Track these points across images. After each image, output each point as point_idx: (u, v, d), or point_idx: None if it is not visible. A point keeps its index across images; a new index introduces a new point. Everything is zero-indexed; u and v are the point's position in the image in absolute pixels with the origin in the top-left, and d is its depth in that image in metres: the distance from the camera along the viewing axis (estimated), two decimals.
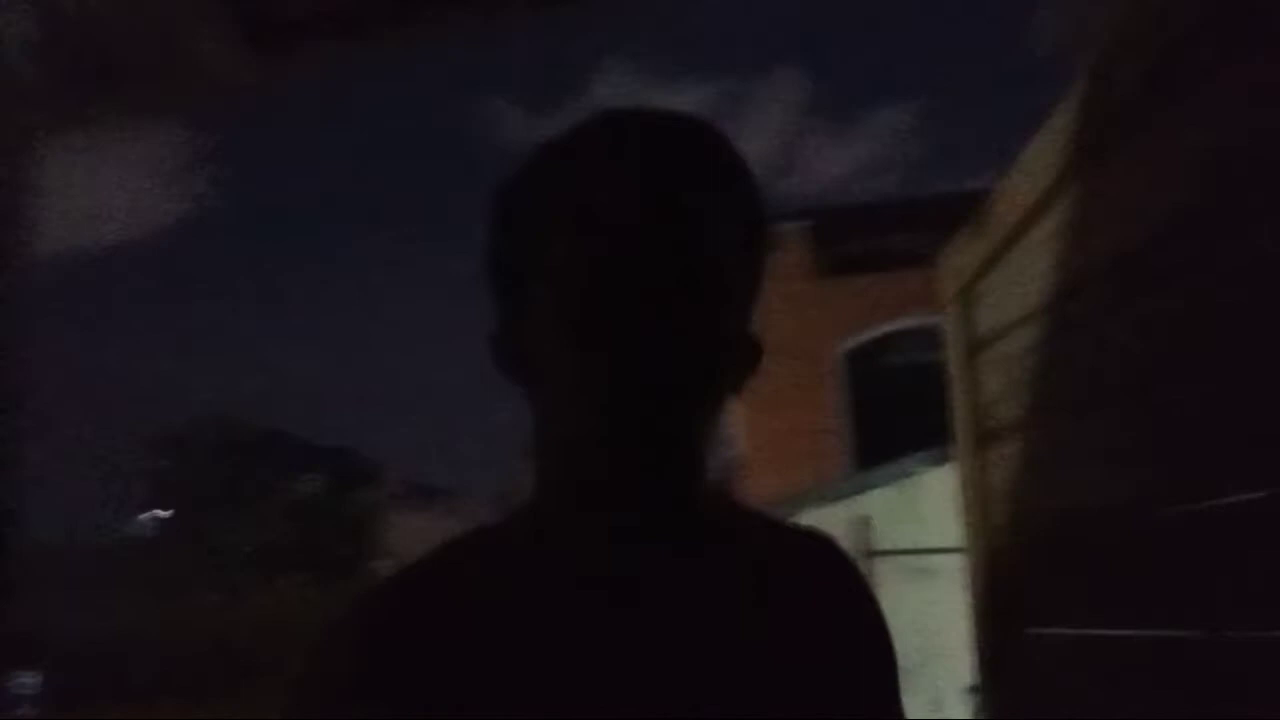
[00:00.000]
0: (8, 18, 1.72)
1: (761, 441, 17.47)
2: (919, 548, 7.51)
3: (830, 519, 9.75)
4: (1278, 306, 1.37)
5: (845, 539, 8.68)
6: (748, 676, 0.84)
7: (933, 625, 5.87)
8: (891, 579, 7.74)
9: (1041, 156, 2.11)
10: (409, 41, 2.28)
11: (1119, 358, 1.80)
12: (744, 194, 0.89)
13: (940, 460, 6.85)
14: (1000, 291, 2.40)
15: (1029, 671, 2.27)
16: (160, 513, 27.14)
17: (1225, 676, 1.53)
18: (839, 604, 0.95)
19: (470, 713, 0.78)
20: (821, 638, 0.90)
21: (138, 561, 23.06)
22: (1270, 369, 1.39)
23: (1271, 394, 1.39)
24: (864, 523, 8.91)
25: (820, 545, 1.00)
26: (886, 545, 8.37)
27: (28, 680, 15.83)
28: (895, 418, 14.67)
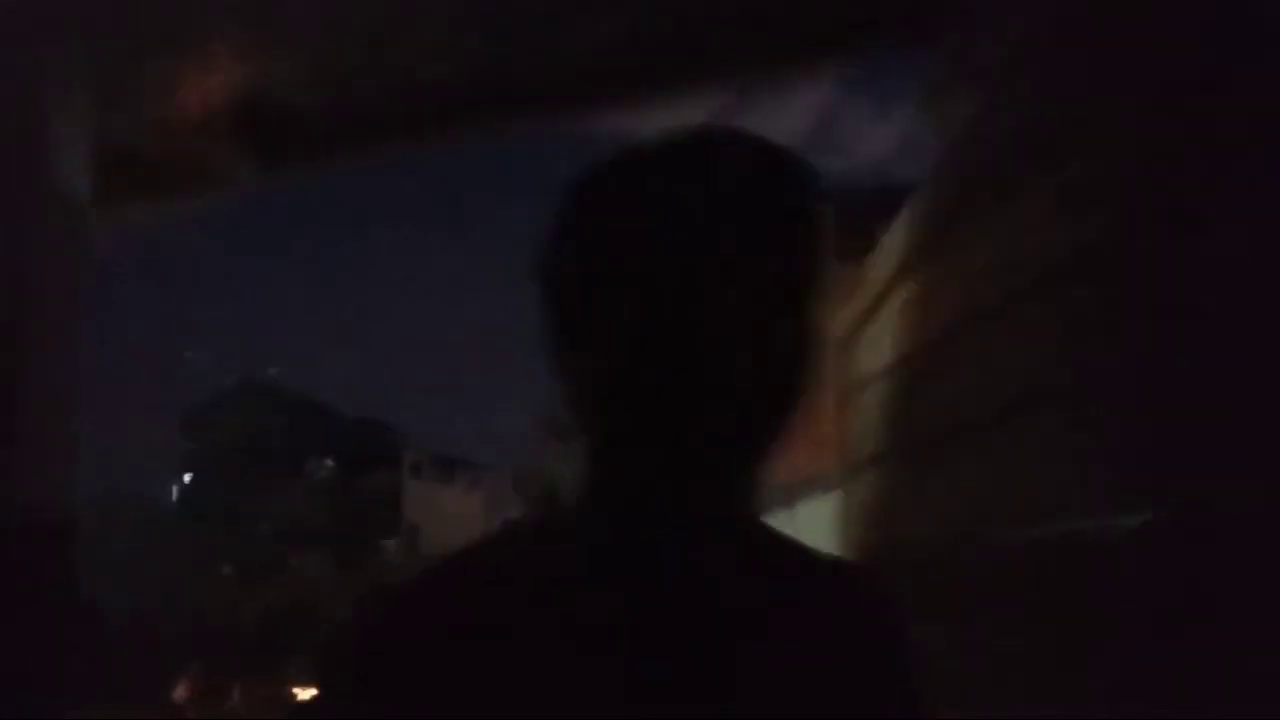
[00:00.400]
0: (70, 152, 2.16)
1: None
2: None
3: (826, 506, 10.04)
4: (1077, 379, 1.78)
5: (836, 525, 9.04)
6: (764, 694, 0.84)
7: None
8: None
9: (899, 239, 2.61)
10: (401, 153, 2.68)
11: (956, 404, 2.23)
12: (811, 215, 0.88)
13: None
14: (868, 346, 2.88)
15: None
16: (189, 479, 27.63)
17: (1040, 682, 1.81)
18: (872, 633, 0.95)
19: (478, 714, 0.78)
20: (848, 664, 0.91)
21: (167, 530, 23.54)
22: (1066, 423, 1.79)
23: (1066, 439, 1.79)
24: None
25: (863, 576, 1.00)
26: None
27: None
28: None
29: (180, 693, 16.81)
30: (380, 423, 31.74)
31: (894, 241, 2.66)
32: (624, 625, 0.81)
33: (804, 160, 0.89)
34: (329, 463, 28.04)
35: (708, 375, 0.81)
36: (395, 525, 27.87)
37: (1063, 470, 1.84)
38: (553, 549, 0.86)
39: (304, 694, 16.98)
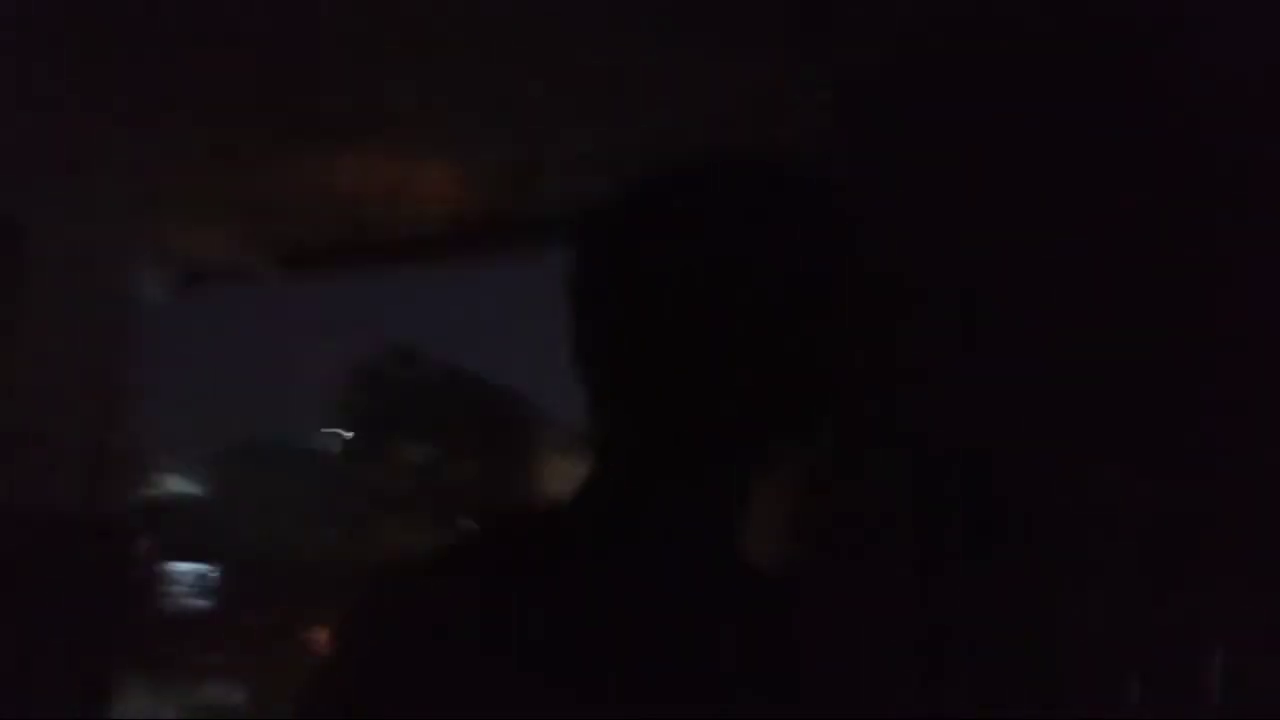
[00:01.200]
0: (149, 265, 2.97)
1: None
2: None
3: None
4: None
5: None
6: (743, 693, 0.83)
7: None
8: None
9: None
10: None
11: None
12: (830, 236, 0.89)
13: None
14: None
15: None
16: (343, 433, 28.81)
17: None
18: (840, 639, 0.95)
19: (464, 711, 0.78)
20: (819, 668, 0.89)
21: (318, 479, 24.69)
22: None
23: None
24: None
25: (822, 585, 1.06)
26: None
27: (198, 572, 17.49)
28: None
29: (314, 636, 17.65)
30: (516, 392, 32.37)
31: None
32: (599, 623, 0.82)
33: (823, 181, 0.91)
34: (464, 429, 28.77)
35: (716, 388, 0.82)
36: (526, 492, 28.48)
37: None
38: (535, 547, 0.87)
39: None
